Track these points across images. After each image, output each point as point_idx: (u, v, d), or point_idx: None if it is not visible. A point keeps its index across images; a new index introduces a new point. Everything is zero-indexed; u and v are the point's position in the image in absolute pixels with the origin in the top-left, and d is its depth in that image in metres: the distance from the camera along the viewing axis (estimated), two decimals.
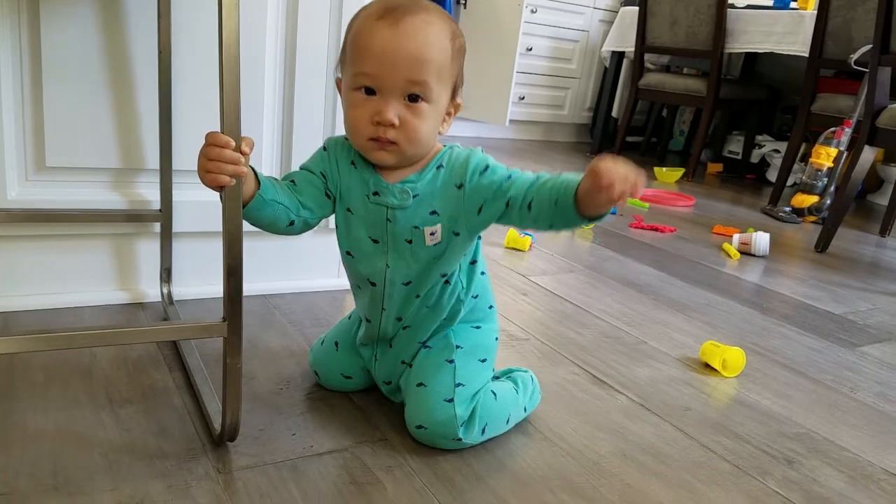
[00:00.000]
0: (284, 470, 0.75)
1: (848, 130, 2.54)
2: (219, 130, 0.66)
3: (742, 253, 1.97)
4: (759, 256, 1.97)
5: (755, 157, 3.54)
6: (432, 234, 0.79)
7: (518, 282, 1.49)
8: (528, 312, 1.31)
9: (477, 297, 0.88)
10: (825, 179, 2.60)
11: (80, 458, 0.73)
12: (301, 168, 0.83)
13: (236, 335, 0.71)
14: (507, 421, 0.86)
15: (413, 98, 0.73)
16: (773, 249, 2.03)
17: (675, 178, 3.08)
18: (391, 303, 0.84)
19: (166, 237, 1.07)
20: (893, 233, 2.60)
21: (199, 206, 1.09)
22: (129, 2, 0.99)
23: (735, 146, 3.64)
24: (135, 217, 1.05)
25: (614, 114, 3.67)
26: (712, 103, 3.09)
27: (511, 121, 3.47)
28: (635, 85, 3.33)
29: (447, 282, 0.83)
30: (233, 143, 0.65)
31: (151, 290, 1.12)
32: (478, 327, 0.88)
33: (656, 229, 2.13)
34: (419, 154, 0.78)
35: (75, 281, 1.07)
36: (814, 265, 1.97)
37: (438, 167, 0.79)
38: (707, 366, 1.16)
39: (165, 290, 1.10)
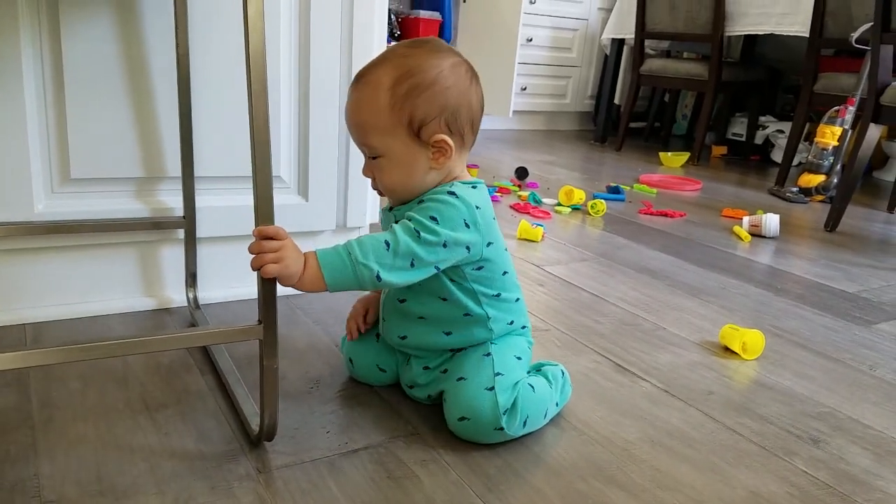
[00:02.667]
0: (322, 467, 0.77)
1: (852, 109, 2.54)
2: (249, 140, 0.67)
3: (752, 235, 1.98)
4: (769, 238, 1.98)
5: (759, 138, 3.54)
6: None
7: (533, 272, 1.50)
8: (545, 303, 1.33)
9: (512, 322, 0.90)
10: (831, 158, 2.60)
11: (122, 464, 0.74)
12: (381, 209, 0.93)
13: (272, 337, 0.73)
14: (545, 415, 0.87)
15: (373, 156, 0.82)
16: (782, 230, 2.04)
17: (681, 162, 3.09)
18: (389, 317, 0.90)
19: (190, 243, 1.08)
20: None
21: (221, 210, 1.10)
22: (147, 12, 1.00)
23: (738, 128, 3.65)
24: (159, 224, 1.06)
25: (617, 101, 3.67)
26: (714, 86, 3.09)
27: (514, 111, 3.47)
28: (637, 71, 3.33)
29: (467, 315, 0.86)
30: (273, 233, 0.71)
31: (177, 296, 1.14)
32: (514, 333, 0.91)
33: (666, 215, 2.14)
34: (410, 195, 0.83)
35: (102, 289, 1.09)
36: (824, 244, 1.98)
37: (420, 202, 0.82)
38: (727, 349, 1.17)
39: (191, 295, 1.12)
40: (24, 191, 0.97)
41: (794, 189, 2.65)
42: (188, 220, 1.07)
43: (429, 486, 0.75)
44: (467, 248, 0.80)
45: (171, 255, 1.12)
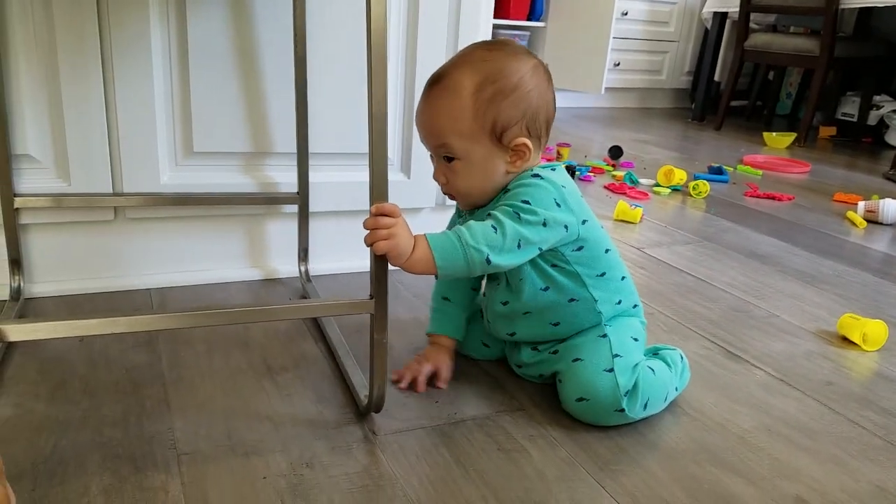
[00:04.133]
0: (434, 435, 0.79)
1: None
2: (368, 117, 0.69)
3: (868, 221, 1.86)
4: (886, 224, 1.85)
5: (872, 119, 3.30)
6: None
7: (633, 255, 1.47)
8: (647, 286, 1.30)
9: (620, 301, 0.88)
10: None
11: (249, 422, 0.79)
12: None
13: (382, 312, 0.75)
14: (665, 399, 0.86)
15: (448, 158, 0.81)
16: None
17: (786, 143, 2.93)
18: (494, 320, 0.90)
19: (303, 219, 1.12)
20: None
21: (333, 186, 1.14)
22: None
23: (850, 108, 3.41)
24: (274, 199, 1.11)
25: (716, 77, 3.50)
26: (826, 63, 2.90)
27: (606, 88, 3.38)
28: (741, 46, 3.17)
29: (573, 300, 0.85)
30: (389, 210, 0.71)
31: (287, 267, 1.19)
32: (625, 314, 0.90)
33: (773, 197, 2.04)
34: (484, 198, 0.83)
35: (219, 259, 1.15)
36: None
37: (505, 191, 0.82)
38: (845, 339, 1.11)
39: (303, 269, 1.16)
40: (152, 163, 1.04)
41: None
42: (302, 196, 1.10)
43: (538, 460, 0.76)
44: (565, 227, 0.79)
45: (284, 229, 1.17)
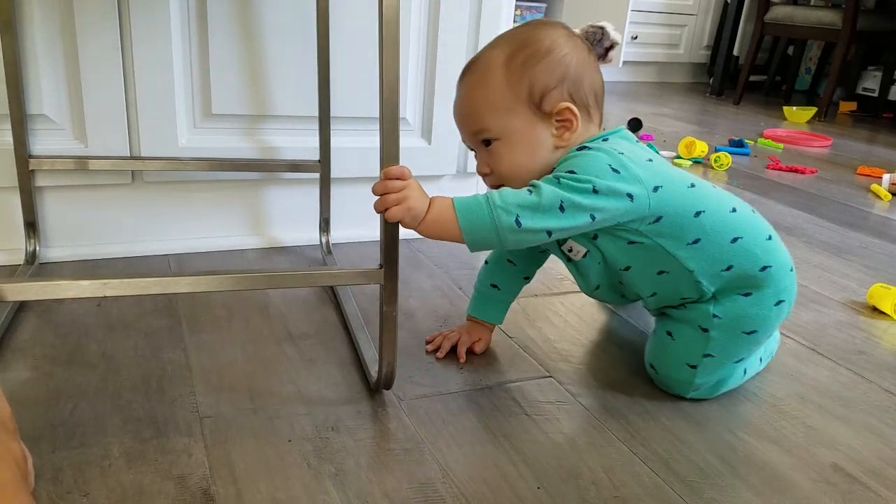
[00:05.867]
0: (460, 399, 0.77)
1: None
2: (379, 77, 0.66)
3: (893, 194, 1.82)
4: None
5: (893, 94, 3.23)
6: (570, 250, 0.80)
7: None
8: None
9: (731, 268, 0.74)
10: None
11: (272, 385, 0.78)
12: None
13: (392, 282, 0.71)
14: (742, 378, 0.83)
15: (487, 143, 0.76)
16: None
17: (807, 117, 2.87)
18: (596, 289, 0.85)
19: (325, 186, 1.10)
20: None
21: (356, 152, 1.11)
22: None
23: (871, 83, 3.34)
24: (295, 166, 1.08)
25: (735, 52, 3.43)
26: (849, 36, 2.83)
27: (624, 62, 3.32)
28: (761, 20, 3.10)
29: (662, 272, 0.76)
30: (398, 173, 0.67)
31: (306, 235, 1.17)
32: (747, 294, 0.76)
33: (796, 170, 2.00)
34: (530, 177, 0.73)
35: (238, 225, 1.13)
36: None
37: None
38: (875, 309, 1.09)
39: (324, 240, 1.14)
40: (170, 124, 1.01)
41: None
42: (324, 163, 1.07)
43: (568, 427, 0.74)
44: (628, 196, 0.69)
45: (305, 195, 1.15)
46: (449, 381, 0.81)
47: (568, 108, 0.73)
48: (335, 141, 1.08)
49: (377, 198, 0.68)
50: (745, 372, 0.82)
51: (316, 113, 1.05)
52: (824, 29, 2.93)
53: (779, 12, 3.07)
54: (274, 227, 1.16)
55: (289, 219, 1.16)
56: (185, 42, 1.00)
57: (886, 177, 1.86)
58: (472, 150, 0.80)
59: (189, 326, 0.89)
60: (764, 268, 0.75)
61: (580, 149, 0.74)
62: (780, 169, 2.01)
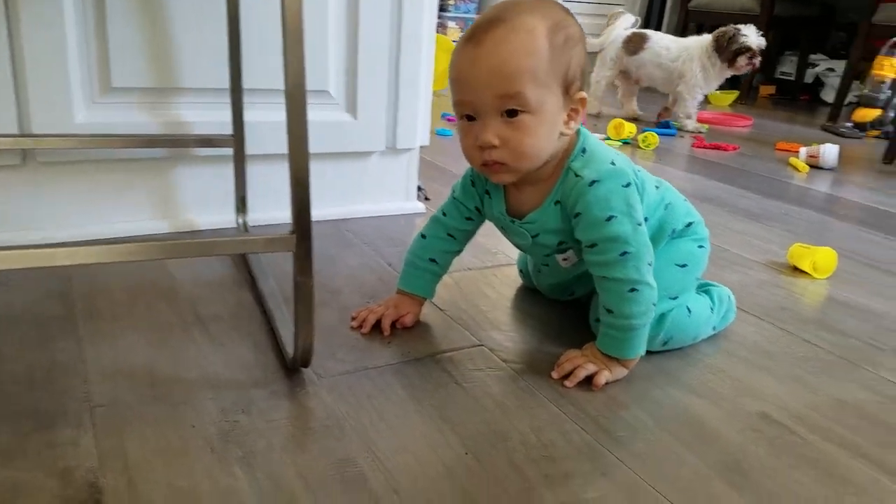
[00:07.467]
0: (386, 374, 0.74)
1: None
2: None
3: (810, 166, 1.89)
4: (827, 169, 1.89)
5: (809, 77, 3.38)
6: (565, 259, 0.81)
7: None
8: None
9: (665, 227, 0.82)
10: (888, 92, 2.47)
11: (177, 370, 0.72)
12: (454, 198, 0.85)
13: (306, 249, 0.65)
14: (694, 339, 0.83)
15: (511, 113, 0.68)
16: (839, 164, 1.94)
17: (729, 100, 2.97)
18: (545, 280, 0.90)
19: (239, 162, 1.04)
20: None
21: (273, 126, 1.05)
22: None
23: (788, 67, 3.48)
24: (206, 141, 1.02)
25: None
26: (767, 22, 2.94)
27: None
28: (685, 7, 3.18)
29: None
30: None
31: (221, 217, 1.10)
32: (677, 238, 0.83)
33: (719, 148, 2.06)
34: (536, 166, 0.72)
35: (144, 208, 1.06)
36: (884, 176, 1.89)
37: (556, 203, 0.75)
38: (796, 269, 1.11)
39: (241, 221, 1.08)
40: (64, 99, 0.93)
41: (849, 124, 2.53)
42: (237, 137, 1.02)
43: (498, 392, 0.72)
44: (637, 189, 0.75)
45: (218, 174, 1.08)
46: (374, 356, 0.77)
47: (584, 99, 0.73)
48: (249, 115, 1.03)
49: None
50: (695, 338, 0.83)
51: (227, 85, 0.99)
52: (744, 15, 3.03)
53: (702, 0, 3.16)
54: (186, 209, 1.09)
55: (202, 200, 1.09)
56: (79, 5, 0.92)
57: (803, 150, 1.93)
58: (467, 117, 0.71)
59: (85, 314, 0.82)
60: (689, 224, 0.84)
61: (567, 176, 0.74)
62: (705, 147, 2.06)
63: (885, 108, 2.47)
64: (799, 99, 3.34)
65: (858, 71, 2.79)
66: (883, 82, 2.44)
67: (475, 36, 0.68)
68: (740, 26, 2.17)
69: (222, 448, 0.60)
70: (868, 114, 2.49)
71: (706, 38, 2.24)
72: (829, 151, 1.88)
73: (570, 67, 0.70)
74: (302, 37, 0.61)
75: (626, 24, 2.39)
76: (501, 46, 0.67)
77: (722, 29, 2.22)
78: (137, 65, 0.97)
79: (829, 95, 3.26)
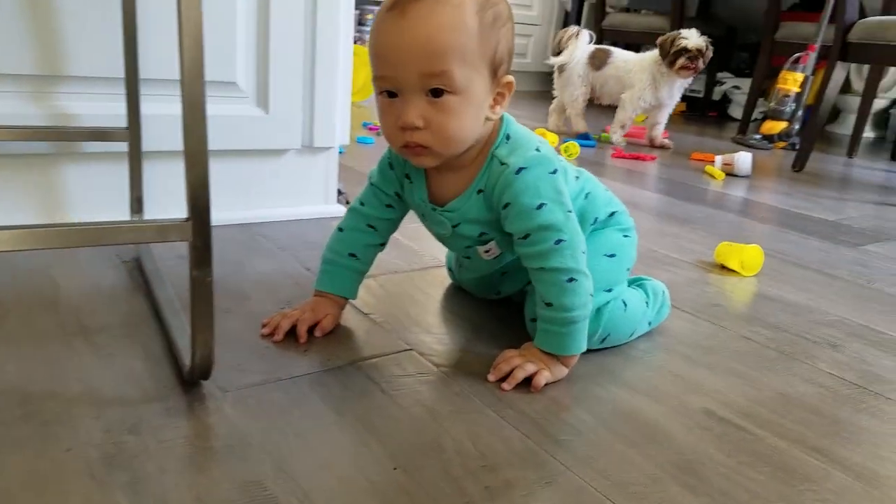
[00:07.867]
0: (302, 384, 0.65)
1: (813, 55, 2.53)
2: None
3: (726, 174, 1.93)
4: (742, 176, 1.94)
5: (716, 94, 3.53)
6: (487, 251, 0.77)
7: None
8: None
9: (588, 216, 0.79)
10: (793, 105, 2.59)
11: (53, 386, 0.61)
12: (372, 184, 0.79)
13: (203, 238, 0.56)
14: (632, 335, 0.79)
15: (436, 93, 0.63)
16: (752, 171, 2.00)
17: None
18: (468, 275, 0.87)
19: (135, 159, 0.93)
20: (859, 154, 2.63)
21: (172, 120, 0.94)
22: None
23: (696, 84, 3.62)
24: (96, 135, 0.90)
25: None
26: None
27: None
28: (598, 26, 3.26)
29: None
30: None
31: (115, 218, 0.98)
32: (602, 228, 0.80)
33: (637, 158, 2.09)
34: (460, 151, 0.68)
35: (25, 208, 0.93)
36: (796, 182, 1.96)
37: (479, 192, 0.70)
38: (724, 267, 1.11)
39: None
40: None
41: (757, 136, 2.64)
42: (133, 133, 0.91)
43: (429, 398, 0.65)
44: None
45: (111, 171, 0.97)
46: (289, 366, 0.68)
47: (511, 83, 0.68)
48: (146, 107, 0.92)
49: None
50: (632, 334, 0.79)
51: (122, 74, 0.88)
52: (654, 34, 3.13)
53: (614, 19, 3.25)
54: (73, 209, 0.96)
55: (92, 199, 0.97)
56: None
57: (719, 158, 1.98)
58: (387, 93, 0.64)
59: None
60: (612, 213, 0.82)
61: (492, 163, 0.69)
62: (624, 157, 2.09)
63: (790, 120, 2.59)
64: (707, 115, 3.48)
65: (763, 89, 2.93)
66: (787, 96, 2.55)
67: (399, 4, 0.62)
68: (682, 30, 2.22)
69: (104, 473, 0.50)
70: (775, 126, 2.60)
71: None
72: (744, 159, 1.94)
73: (498, 48, 0.65)
74: (200, 19, 0.53)
75: (586, 40, 2.40)
76: (428, 20, 0.61)
77: (666, 34, 2.26)
78: (16, 49, 0.85)
79: (736, 112, 3.41)
